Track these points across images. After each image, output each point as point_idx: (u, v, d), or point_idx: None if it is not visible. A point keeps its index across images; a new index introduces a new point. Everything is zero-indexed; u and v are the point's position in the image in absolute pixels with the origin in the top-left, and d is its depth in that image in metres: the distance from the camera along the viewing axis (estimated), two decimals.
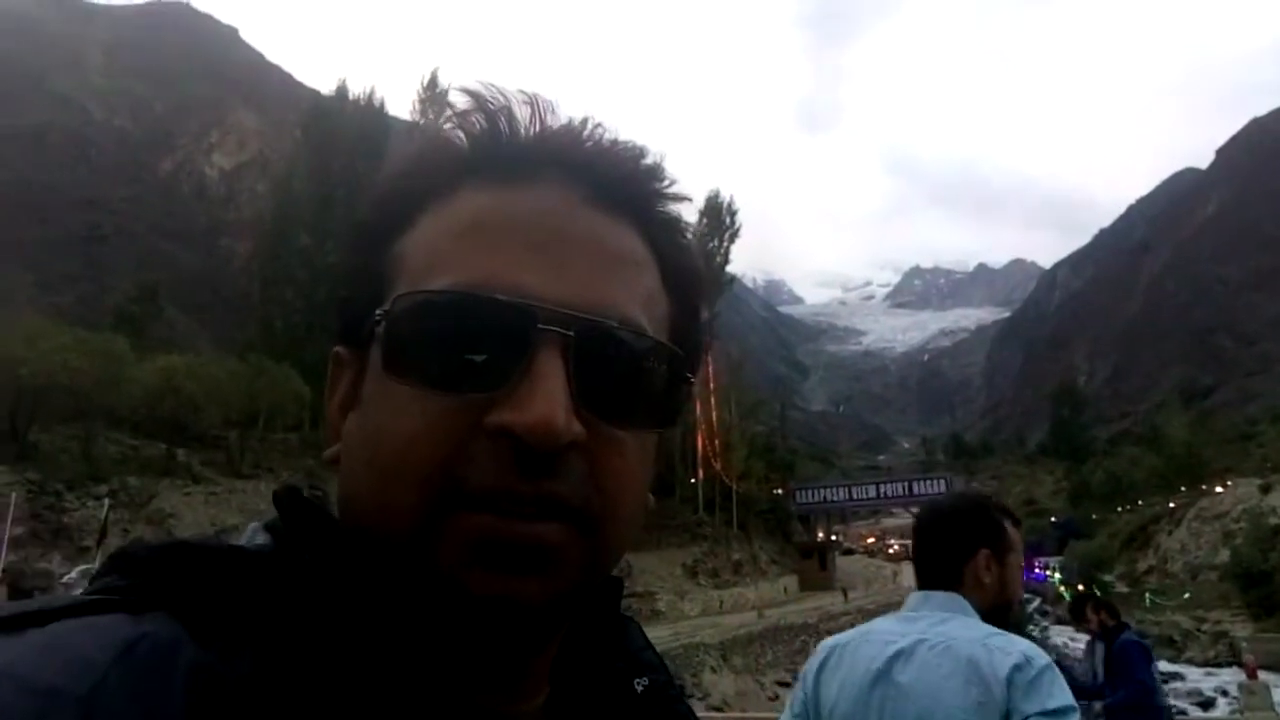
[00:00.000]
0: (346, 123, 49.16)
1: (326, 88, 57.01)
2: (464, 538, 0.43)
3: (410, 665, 0.45)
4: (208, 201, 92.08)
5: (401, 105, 55.66)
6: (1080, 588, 57.56)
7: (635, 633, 0.62)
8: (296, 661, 0.41)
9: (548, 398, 0.43)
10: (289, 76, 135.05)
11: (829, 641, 2.05)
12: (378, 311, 0.48)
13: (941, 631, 1.82)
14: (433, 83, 53.28)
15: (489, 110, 0.52)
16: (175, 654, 0.38)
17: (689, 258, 0.56)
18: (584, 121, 0.53)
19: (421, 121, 52.53)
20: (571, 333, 0.45)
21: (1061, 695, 1.69)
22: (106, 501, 22.92)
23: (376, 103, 52.44)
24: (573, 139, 0.52)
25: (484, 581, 0.43)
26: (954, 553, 1.98)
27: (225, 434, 34.33)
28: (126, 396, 30.09)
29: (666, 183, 0.55)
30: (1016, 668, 1.69)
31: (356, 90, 53.08)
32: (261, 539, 0.50)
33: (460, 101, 0.53)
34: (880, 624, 1.98)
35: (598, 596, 0.54)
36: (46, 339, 28.19)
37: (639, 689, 0.57)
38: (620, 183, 0.52)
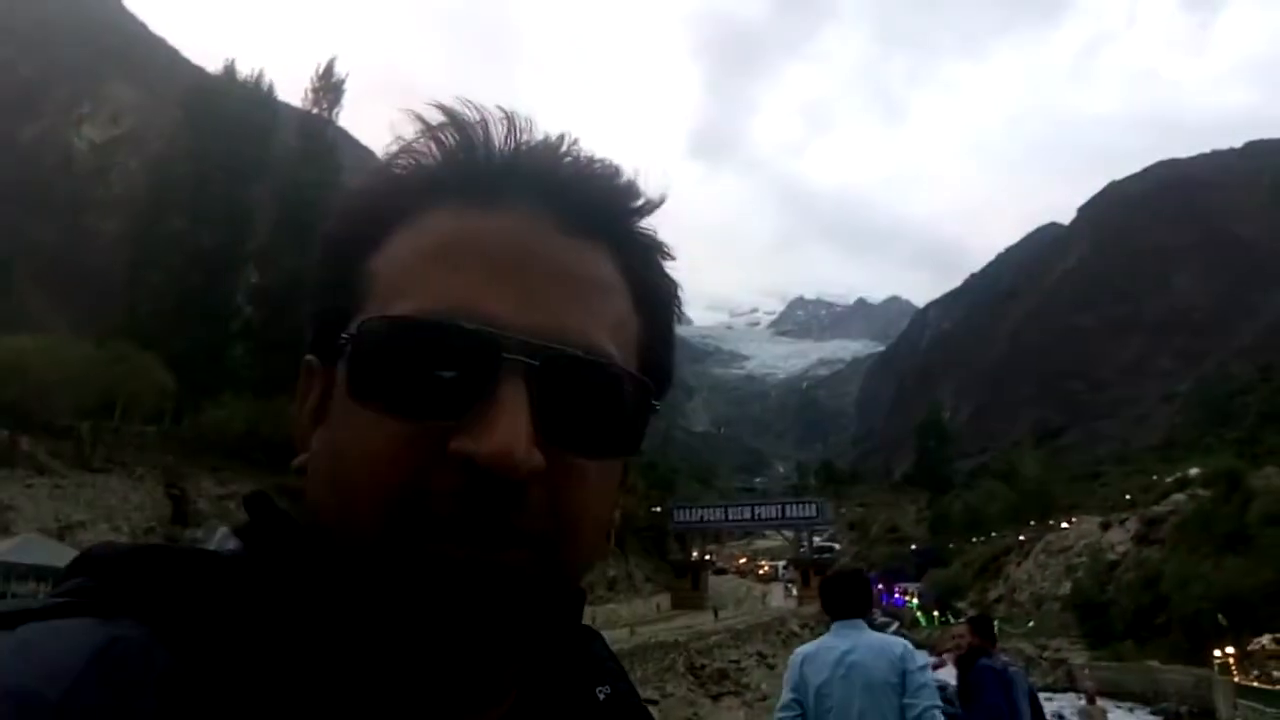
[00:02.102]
0: (232, 104, 47.10)
1: (213, 66, 54.48)
2: (424, 566, 0.43)
3: (374, 678, 0.45)
4: (74, 175, 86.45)
5: (292, 92, 53.56)
6: (936, 612, 60.07)
7: (598, 643, 0.62)
8: (267, 671, 0.41)
9: (509, 428, 0.43)
10: (174, 51, 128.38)
11: (802, 650, 3.95)
12: (343, 334, 0.48)
13: (864, 637, 3.79)
14: (328, 72, 51.85)
15: (463, 125, 0.51)
16: (147, 660, 0.38)
17: (662, 278, 0.56)
18: (560, 138, 0.53)
19: (314, 111, 50.95)
20: (536, 362, 0.45)
21: (922, 660, 3.79)
22: None
23: (265, 86, 50.47)
24: (548, 158, 0.52)
25: (443, 607, 0.43)
26: (866, 600, 4.06)
27: (77, 423, 32.13)
28: None
29: (641, 202, 0.54)
30: (903, 650, 3.72)
31: (245, 71, 50.97)
32: (232, 544, 0.50)
33: (434, 115, 0.52)
34: (829, 639, 3.86)
35: (561, 607, 0.54)
36: None
37: (601, 697, 0.58)
38: (594, 205, 0.52)
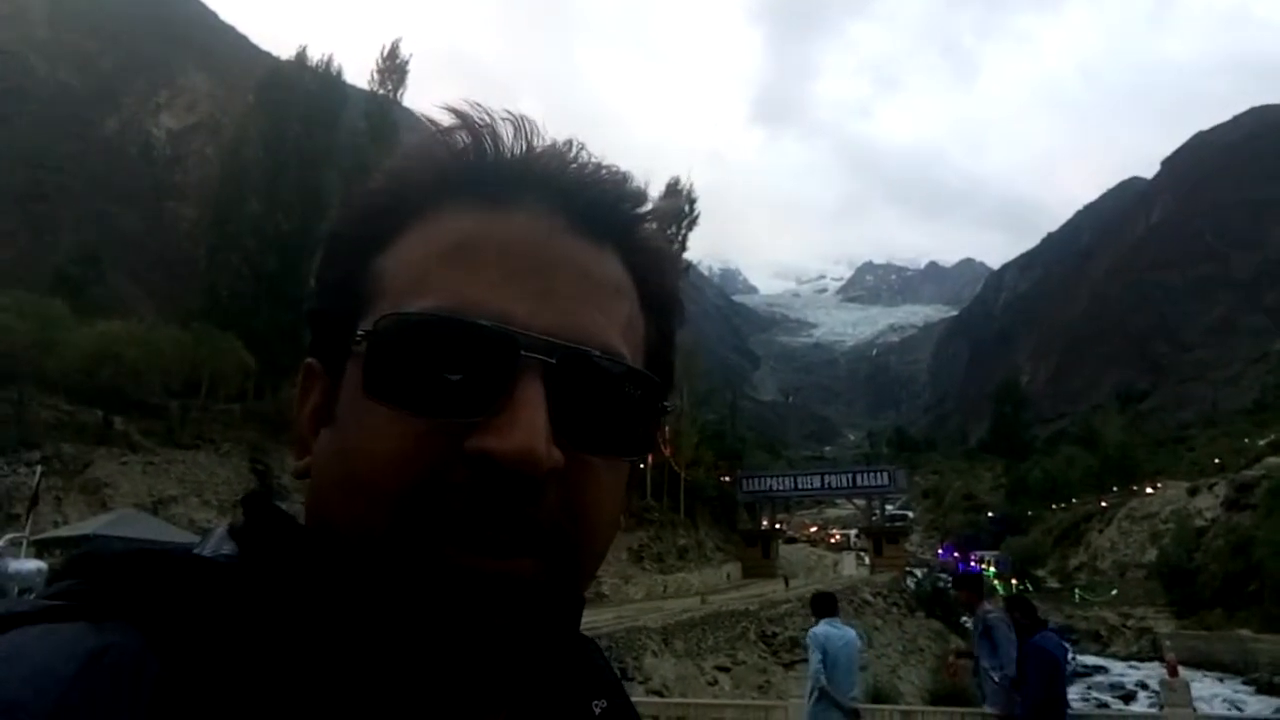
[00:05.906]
0: (303, 90, 47.98)
1: (282, 52, 55.60)
2: (433, 572, 0.43)
3: (371, 687, 0.45)
4: (154, 163, 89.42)
5: (359, 74, 54.37)
6: (1014, 580, 59.03)
7: (595, 653, 0.61)
8: (258, 679, 0.41)
9: (529, 425, 0.43)
10: (244, 39, 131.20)
11: (822, 631, 7.40)
12: (359, 331, 0.48)
13: (845, 628, 7.60)
14: (393, 53, 52.33)
15: (474, 128, 0.52)
16: (139, 667, 0.38)
17: (668, 281, 0.57)
18: (569, 143, 0.53)
19: (380, 92, 51.65)
20: (553, 360, 0.46)
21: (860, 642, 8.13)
22: (38, 469, 22.31)
23: (334, 71, 51.25)
24: (558, 162, 0.52)
25: (454, 612, 0.43)
26: (836, 607, 7.83)
27: (165, 402, 33.56)
28: (63, 361, 29.29)
29: (649, 207, 0.55)
30: (857, 634, 7.94)
31: (315, 57, 51.78)
32: (227, 548, 0.49)
33: (445, 118, 0.52)
34: (827, 627, 7.42)
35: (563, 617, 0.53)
36: None
37: (597, 710, 0.57)
38: (603, 208, 0.52)
